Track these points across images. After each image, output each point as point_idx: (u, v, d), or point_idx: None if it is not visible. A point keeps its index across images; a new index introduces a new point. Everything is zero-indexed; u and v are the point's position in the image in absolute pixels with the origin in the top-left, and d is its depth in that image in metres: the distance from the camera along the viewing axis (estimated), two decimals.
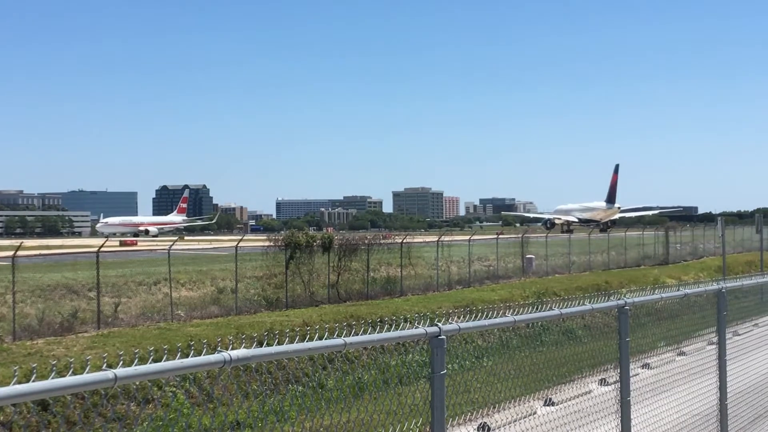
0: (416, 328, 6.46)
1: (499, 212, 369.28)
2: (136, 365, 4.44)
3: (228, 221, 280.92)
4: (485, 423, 9.69)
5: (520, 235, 56.14)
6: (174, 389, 17.49)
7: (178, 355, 4.76)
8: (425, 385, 6.47)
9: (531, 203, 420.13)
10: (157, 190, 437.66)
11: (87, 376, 4.18)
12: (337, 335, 5.94)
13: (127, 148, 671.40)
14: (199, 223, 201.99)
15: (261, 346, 5.22)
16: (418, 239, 54.76)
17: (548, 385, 9.65)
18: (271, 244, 36.61)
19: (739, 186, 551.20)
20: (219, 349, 5.02)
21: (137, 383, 4.81)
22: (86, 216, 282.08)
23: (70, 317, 26.48)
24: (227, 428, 11.20)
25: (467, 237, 54.99)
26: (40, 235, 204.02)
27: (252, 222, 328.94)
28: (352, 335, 5.99)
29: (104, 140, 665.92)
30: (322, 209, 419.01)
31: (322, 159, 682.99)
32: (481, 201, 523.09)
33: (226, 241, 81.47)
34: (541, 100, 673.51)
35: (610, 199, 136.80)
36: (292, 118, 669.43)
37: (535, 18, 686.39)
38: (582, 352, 9.79)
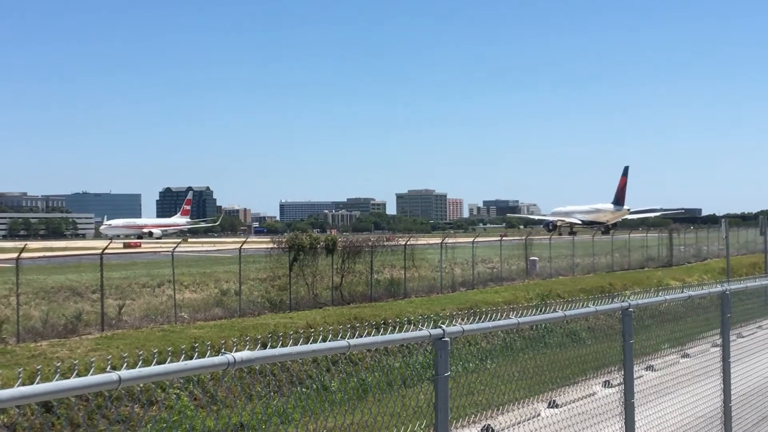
0: (420, 330, 6.46)
1: (503, 214, 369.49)
2: (140, 367, 4.44)
3: (231, 223, 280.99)
4: (489, 425, 9.69)
5: (523, 237, 56.16)
6: (178, 391, 17.49)
7: (182, 357, 4.76)
8: (429, 387, 6.46)
9: (534, 205, 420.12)
10: (160, 192, 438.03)
11: (91, 378, 4.19)
12: (341, 337, 5.94)
13: (131, 150, 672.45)
14: (203, 225, 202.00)
15: (265, 348, 5.22)
16: (422, 241, 54.74)
17: (552, 387, 9.64)
18: (275, 246, 36.59)
19: (743, 188, 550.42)
20: (223, 351, 5.02)
21: (141, 385, 4.81)
22: (90, 218, 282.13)
23: (74, 319, 26.50)
24: (231, 430, 11.21)
25: (471, 239, 54.96)
26: (44, 237, 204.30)
27: (255, 224, 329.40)
28: (356, 337, 5.99)
29: (108, 142, 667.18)
30: (326, 211, 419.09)
31: (326, 161, 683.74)
32: (485, 203, 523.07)
33: (229, 243, 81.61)
34: (545, 101, 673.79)
35: (618, 201, 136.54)
36: (295, 120, 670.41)
37: (538, 19, 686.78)
38: (586, 354, 9.78)
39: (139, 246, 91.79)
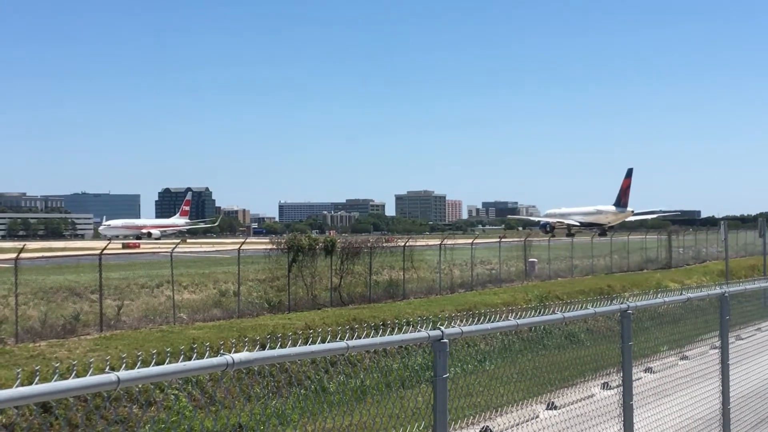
0: (419, 331, 6.46)
1: (502, 216, 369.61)
2: (138, 368, 4.44)
3: (230, 224, 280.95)
4: (488, 426, 9.69)
5: (522, 239, 56.13)
6: (176, 392, 17.48)
7: (181, 358, 4.76)
8: (428, 389, 6.47)
9: (534, 207, 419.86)
10: (159, 193, 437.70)
11: (90, 379, 4.19)
12: (340, 338, 5.94)
13: (130, 151, 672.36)
14: (202, 225, 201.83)
15: (263, 349, 5.22)
16: (421, 242, 54.75)
17: (551, 388, 9.65)
18: (274, 247, 36.59)
19: (742, 190, 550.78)
20: (222, 352, 5.02)
21: (139, 386, 4.81)
22: (89, 218, 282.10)
23: (73, 319, 26.49)
24: (229, 431, 11.20)
25: (470, 240, 54.96)
26: (43, 238, 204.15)
27: (254, 225, 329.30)
28: (355, 338, 5.99)
29: (107, 143, 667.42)
30: (325, 212, 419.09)
31: (325, 162, 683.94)
32: (484, 204, 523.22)
33: (228, 244, 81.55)
34: (544, 103, 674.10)
35: (620, 202, 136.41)
36: (294, 121, 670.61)
37: (537, 22, 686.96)
38: (585, 355, 9.79)
39: (138, 246, 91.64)
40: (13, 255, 28.86)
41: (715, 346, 11.78)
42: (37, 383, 4.05)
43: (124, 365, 4.49)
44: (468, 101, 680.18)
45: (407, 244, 42.64)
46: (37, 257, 49.80)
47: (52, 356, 20.78)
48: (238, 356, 4.85)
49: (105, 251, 31.25)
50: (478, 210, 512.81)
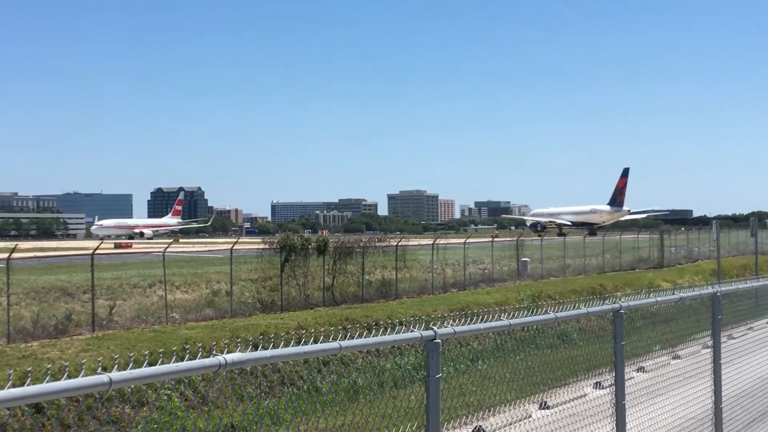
0: (411, 331, 6.46)
1: (494, 215, 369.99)
2: (131, 369, 4.43)
3: (223, 224, 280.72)
4: (480, 426, 9.70)
5: (515, 238, 56.21)
6: (169, 392, 17.46)
7: (174, 358, 4.75)
8: (420, 389, 6.47)
9: (526, 206, 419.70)
10: (152, 193, 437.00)
11: (82, 380, 4.17)
12: (333, 338, 5.93)
13: (122, 151, 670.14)
14: (194, 225, 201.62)
15: (256, 349, 5.21)
16: (414, 242, 54.76)
17: (543, 388, 9.65)
18: (266, 246, 36.55)
19: (734, 189, 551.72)
20: (214, 352, 5.02)
21: (132, 386, 4.80)
22: (81, 218, 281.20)
23: (65, 320, 26.44)
24: (222, 431, 11.18)
25: (462, 240, 55.01)
26: (35, 238, 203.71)
27: (247, 224, 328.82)
28: (348, 339, 5.99)
29: (99, 142, 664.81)
30: (318, 212, 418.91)
31: (317, 161, 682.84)
32: (477, 204, 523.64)
33: (221, 244, 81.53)
34: (536, 103, 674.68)
35: (615, 201, 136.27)
36: (287, 121, 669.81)
37: (527, 23, 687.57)
38: (577, 355, 9.79)
39: (130, 246, 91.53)
40: (5, 255, 28.78)
41: (707, 345, 11.80)
42: (29, 384, 4.04)
43: (116, 366, 4.48)
44: (461, 101, 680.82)
45: (400, 243, 42.67)
46: (29, 257, 49.72)
47: (44, 356, 20.74)
48: (230, 357, 4.85)
49: (97, 251, 31.20)
50: (470, 209, 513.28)
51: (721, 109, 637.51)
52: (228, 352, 4.93)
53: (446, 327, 6.72)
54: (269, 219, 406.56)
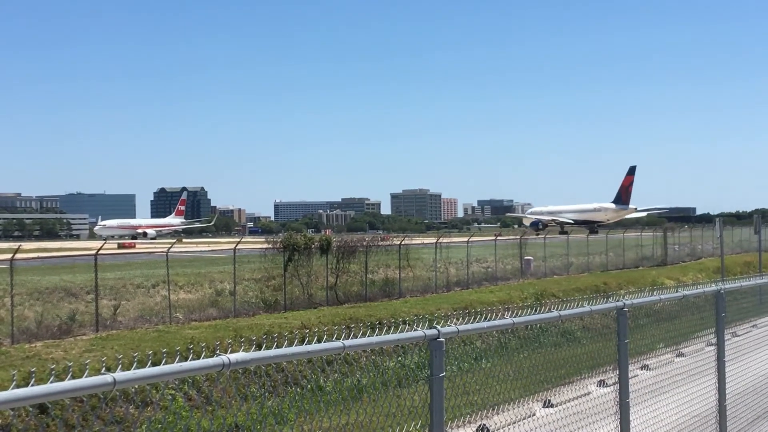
0: (415, 330, 6.46)
1: (497, 214, 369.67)
2: (134, 369, 4.43)
3: (226, 223, 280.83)
4: (484, 425, 9.68)
5: (518, 237, 56.14)
6: (173, 392, 17.48)
7: (177, 358, 4.76)
8: (424, 388, 6.46)
9: (529, 204, 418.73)
10: (155, 193, 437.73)
11: (86, 380, 4.17)
12: (336, 338, 5.93)
13: (125, 151, 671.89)
14: (198, 225, 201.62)
15: (259, 349, 5.21)
16: (417, 241, 54.75)
17: (547, 386, 9.64)
18: (270, 246, 36.53)
19: (737, 187, 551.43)
20: (218, 352, 5.02)
21: (136, 386, 4.80)
22: (84, 218, 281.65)
23: (69, 320, 26.45)
24: (226, 431, 11.19)
25: (465, 238, 54.97)
26: (38, 238, 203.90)
27: (250, 224, 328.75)
28: (351, 338, 5.99)
29: (102, 143, 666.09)
30: (320, 211, 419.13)
31: (320, 161, 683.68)
32: (480, 202, 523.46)
33: (224, 244, 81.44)
34: (539, 102, 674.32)
35: (620, 199, 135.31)
36: (289, 120, 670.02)
37: (530, 22, 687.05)
38: (581, 353, 9.78)
39: (134, 246, 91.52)
40: (9, 255, 28.81)
41: (711, 343, 11.78)
42: (33, 385, 4.04)
43: (120, 366, 4.48)
44: (463, 100, 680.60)
45: (403, 242, 42.63)
46: (33, 258, 49.70)
47: (48, 357, 20.75)
48: (234, 357, 4.84)
49: (100, 251, 31.19)
50: (473, 208, 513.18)
51: (724, 107, 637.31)
52: (231, 352, 4.93)
53: (450, 326, 6.71)
54: (272, 218, 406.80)
